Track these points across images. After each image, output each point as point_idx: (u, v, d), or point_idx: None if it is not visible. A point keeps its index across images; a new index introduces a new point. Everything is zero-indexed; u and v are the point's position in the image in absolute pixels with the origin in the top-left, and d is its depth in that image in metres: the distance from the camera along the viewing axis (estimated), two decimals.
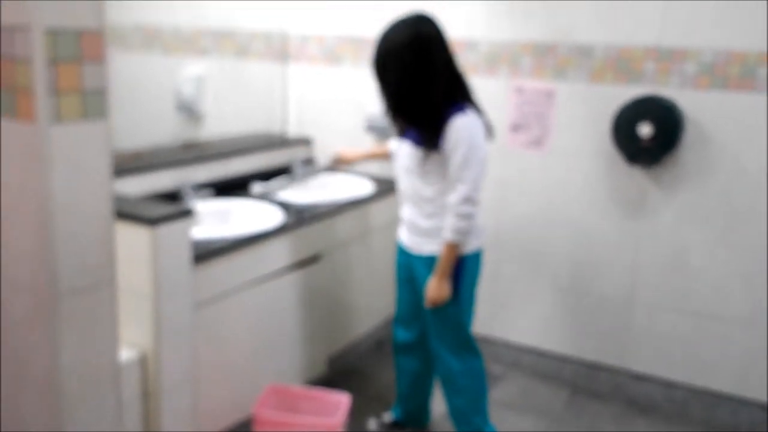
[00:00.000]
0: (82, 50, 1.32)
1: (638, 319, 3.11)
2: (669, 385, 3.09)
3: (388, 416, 2.86)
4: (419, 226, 2.46)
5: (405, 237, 2.56)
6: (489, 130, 2.41)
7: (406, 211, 2.52)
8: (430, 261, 2.43)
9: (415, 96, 2.31)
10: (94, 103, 1.35)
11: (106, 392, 1.49)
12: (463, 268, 2.43)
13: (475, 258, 2.48)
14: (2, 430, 1.52)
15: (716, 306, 2.95)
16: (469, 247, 2.43)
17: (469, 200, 2.30)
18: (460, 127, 2.28)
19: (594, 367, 3.24)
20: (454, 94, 2.35)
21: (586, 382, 3.26)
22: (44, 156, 1.30)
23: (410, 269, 2.57)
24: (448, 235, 2.33)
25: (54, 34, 1.28)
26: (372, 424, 2.86)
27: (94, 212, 1.42)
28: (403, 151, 2.47)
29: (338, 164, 3.04)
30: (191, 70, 3.23)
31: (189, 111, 3.28)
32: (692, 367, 3.03)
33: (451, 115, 2.29)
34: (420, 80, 2.29)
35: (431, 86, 2.29)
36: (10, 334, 1.44)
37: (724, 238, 2.89)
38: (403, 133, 2.47)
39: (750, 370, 2.92)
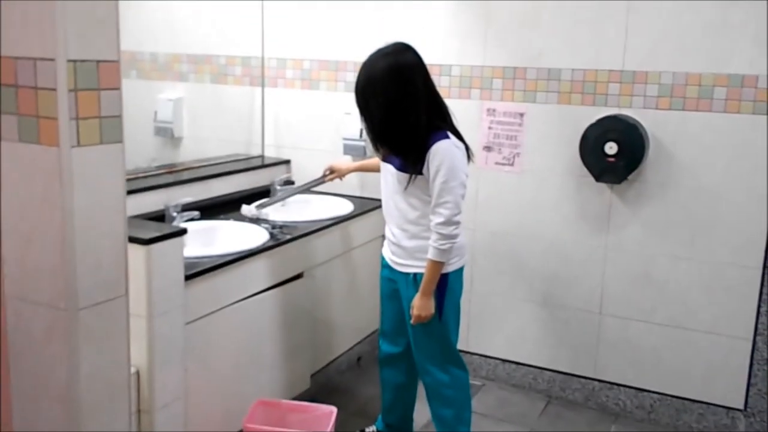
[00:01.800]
0: (100, 79, 1.41)
1: (608, 330, 3.24)
2: (639, 392, 3.23)
3: (372, 429, 2.93)
4: (403, 247, 2.54)
5: (389, 255, 2.63)
6: (469, 154, 2.50)
7: (390, 231, 2.60)
8: (414, 280, 2.52)
9: (397, 124, 2.38)
10: (110, 128, 1.44)
11: (121, 401, 1.55)
12: (446, 286, 2.51)
13: (458, 275, 2.57)
14: None
15: (681, 317, 3.09)
16: (452, 266, 2.51)
17: (451, 222, 2.37)
18: (441, 152, 2.35)
19: (568, 377, 3.36)
20: (435, 121, 2.42)
21: (561, 391, 3.38)
22: (65, 177, 1.38)
23: (394, 284, 2.65)
24: (431, 254, 2.42)
25: (75, 65, 1.36)
26: None
27: (111, 228, 1.51)
28: (387, 173, 2.55)
29: (330, 177, 3.13)
30: (169, 94, 3.30)
31: (167, 134, 3.34)
32: (660, 375, 3.17)
33: (432, 141, 2.36)
34: (401, 109, 2.35)
35: (412, 114, 2.36)
36: (29, 348, 1.50)
37: (686, 251, 3.04)
38: (385, 158, 2.55)
39: (714, 377, 3.07)
